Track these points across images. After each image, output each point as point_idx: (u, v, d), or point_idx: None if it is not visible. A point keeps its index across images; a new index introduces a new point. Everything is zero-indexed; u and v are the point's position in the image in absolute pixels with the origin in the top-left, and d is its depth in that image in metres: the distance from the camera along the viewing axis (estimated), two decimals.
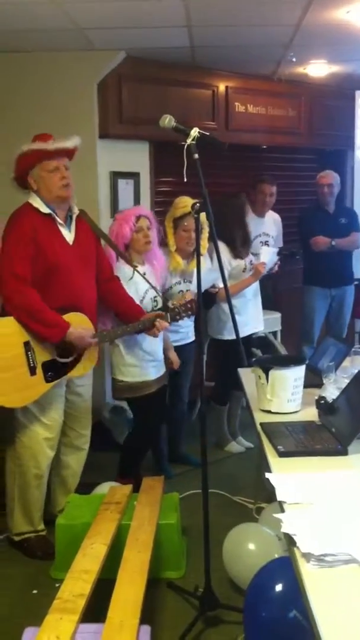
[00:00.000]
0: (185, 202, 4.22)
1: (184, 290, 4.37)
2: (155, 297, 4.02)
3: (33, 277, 3.34)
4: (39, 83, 4.87)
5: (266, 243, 5.50)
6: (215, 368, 4.91)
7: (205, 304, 4.48)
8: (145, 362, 3.99)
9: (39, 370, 3.37)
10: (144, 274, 3.99)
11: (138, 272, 3.95)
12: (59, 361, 3.46)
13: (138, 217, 3.98)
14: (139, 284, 3.95)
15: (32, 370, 3.34)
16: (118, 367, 4.00)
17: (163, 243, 4.33)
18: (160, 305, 4.02)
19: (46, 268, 3.38)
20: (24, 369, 3.32)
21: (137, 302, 3.87)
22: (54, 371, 3.44)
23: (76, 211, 3.60)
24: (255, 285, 4.85)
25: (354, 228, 5.76)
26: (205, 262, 4.22)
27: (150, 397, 4.04)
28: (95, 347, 3.62)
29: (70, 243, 3.52)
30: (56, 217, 3.48)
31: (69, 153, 3.52)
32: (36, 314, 3.30)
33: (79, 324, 3.45)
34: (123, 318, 3.80)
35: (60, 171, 3.45)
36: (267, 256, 4.81)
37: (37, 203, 3.44)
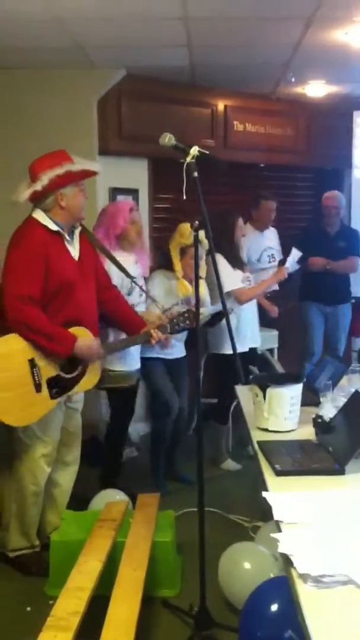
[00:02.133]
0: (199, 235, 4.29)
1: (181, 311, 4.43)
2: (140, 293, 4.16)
3: (41, 295, 3.31)
4: (40, 99, 4.90)
5: (272, 256, 5.56)
6: (217, 385, 4.90)
7: (212, 322, 4.57)
8: (124, 353, 4.09)
9: (44, 387, 3.33)
10: (136, 262, 4.17)
11: (136, 283, 4.04)
12: (64, 377, 3.43)
13: (131, 210, 4.14)
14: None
15: (38, 388, 3.30)
16: None
17: (164, 266, 4.43)
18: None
19: (55, 286, 3.35)
20: (30, 386, 3.28)
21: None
22: (59, 387, 3.41)
23: (79, 226, 3.60)
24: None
25: (352, 252, 5.80)
26: (204, 286, 4.35)
27: (129, 389, 4.20)
28: (98, 361, 3.62)
29: (76, 259, 3.51)
30: (65, 235, 3.45)
31: None
32: (42, 329, 3.27)
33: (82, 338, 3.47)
34: (124, 327, 3.84)
35: (84, 192, 3.50)
36: (291, 260, 4.92)
37: (46, 220, 3.39)
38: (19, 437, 3.49)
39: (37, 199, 3.39)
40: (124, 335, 3.93)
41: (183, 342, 4.54)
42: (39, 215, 3.41)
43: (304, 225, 6.12)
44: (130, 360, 4.19)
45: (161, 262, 4.59)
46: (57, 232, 3.41)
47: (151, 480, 4.54)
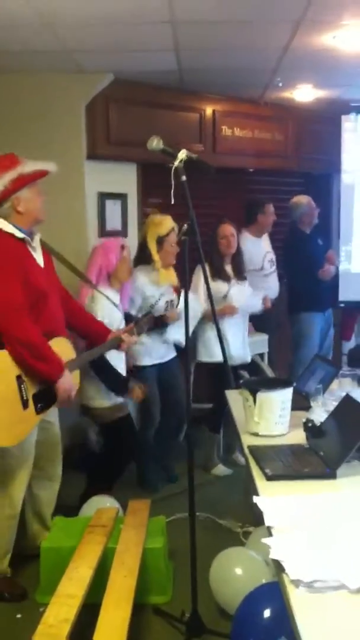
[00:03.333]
0: (166, 220, 4.41)
1: (169, 300, 4.51)
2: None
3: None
4: (28, 104, 4.88)
5: (272, 260, 5.57)
6: (211, 394, 4.90)
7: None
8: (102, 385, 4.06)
9: (30, 403, 3.22)
10: (120, 300, 4.17)
11: (108, 297, 4.01)
12: (48, 390, 3.30)
13: (122, 247, 4.13)
14: (114, 314, 4.04)
15: (25, 404, 3.18)
16: (89, 393, 4.01)
17: (142, 261, 4.43)
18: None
19: (32, 295, 3.23)
20: (17, 403, 3.15)
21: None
22: (43, 401, 3.29)
23: (38, 232, 3.43)
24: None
25: (328, 246, 5.93)
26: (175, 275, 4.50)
27: (124, 420, 4.12)
28: (77, 372, 3.54)
29: (42, 266, 3.38)
30: (30, 241, 3.31)
31: None
32: (37, 349, 3.16)
33: (65, 351, 3.38)
34: (89, 337, 3.76)
35: (41, 194, 3.36)
36: (243, 299, 4.84)
37: (9, 228, 3.23)
38: None
39: None
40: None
41: (172, 343, 4.55)
42: (1, 224, 3.24)
43: (286, 229, 6.10)
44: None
45: (137, 256, 4.56)
46: (22, 240, 3.26)
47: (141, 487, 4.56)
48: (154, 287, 4.44)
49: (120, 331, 3.81)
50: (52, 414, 3.61)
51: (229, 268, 4.83)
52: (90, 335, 3.76)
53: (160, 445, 4.75)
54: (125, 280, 4.17)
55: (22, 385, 3.18)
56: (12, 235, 3.24)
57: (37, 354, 3.17)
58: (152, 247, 4.41)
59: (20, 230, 3.27)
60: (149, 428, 4.63)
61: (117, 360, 4.03)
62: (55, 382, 3.27)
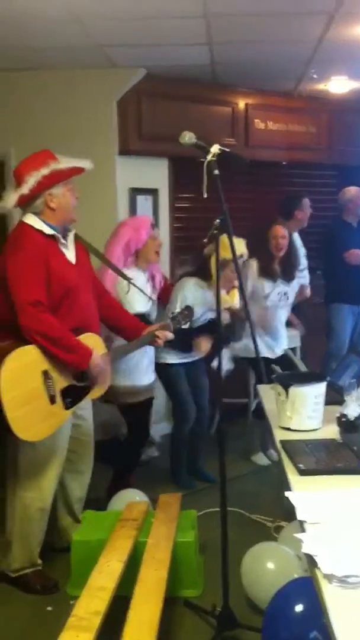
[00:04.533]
0: (237, 245, 3.94)
1: (211, 318, 4.39)
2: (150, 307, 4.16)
3: (47, 301, 3.18)
4: (60, 100, 4.91)
5: (305, 255, 5.53)
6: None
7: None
8: (134, 366, 4.09)
9: (58, 398, 3.21)
10: (148, 280, 4.15)
11: (135, 285, 4.00)
12: (77, 385, 3.31)
13: (152, 225, 4.12)
14: (138, 300, 4.03)
15: (52, 399, 3.17)
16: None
17: (199, 275, 4.35)
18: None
19: (59, 292, 3.22)
20: (44, 399, 3.14)
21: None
22: (72, 397, 3.29)
23: (73, 230, 3.43)
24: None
25: None
26: (237, 295, 4.34)
27: (141, 405, 4.15)
28: (109, 367, 3.51)
29: (73, 262, 3.36)
30: (60, 238, 3.30)
31: None
32: (59, 340, 3.14)
33: (94, 346, 3.34)
34: (124, 332, 3.73)
35: (74, 191, 3.35)
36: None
37: (39, 224, 3.23)
38: (26, 451, 3.33)
39: (25, 203, 3.24)
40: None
41: None
42: (32, 220, 3.25)
43: (326, 222, 6.06)
44: (139, 375, 4.15)
45: (196, 269, 4.45)
46: (52, 236, 3.26)
47: (172, 482, 4.57)
48: (200, 305, 4.28)
49: (155, 326, 3.73)
50: (86, 411, 3.62)
51: (277, 267, 4.77)
52: (125, 330, 3.73)
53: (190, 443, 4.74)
54: (153, 260, 4.11)
55: (48, 381, 3.16)
56: (40, 232, 3.23)
57: (61, 344, 3.15)
58: (214, 268, 4.13)
59: (50, 226, 3.26)
60: (184, 425, 4.56)
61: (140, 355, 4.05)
62: (86, 369, 3.26)
